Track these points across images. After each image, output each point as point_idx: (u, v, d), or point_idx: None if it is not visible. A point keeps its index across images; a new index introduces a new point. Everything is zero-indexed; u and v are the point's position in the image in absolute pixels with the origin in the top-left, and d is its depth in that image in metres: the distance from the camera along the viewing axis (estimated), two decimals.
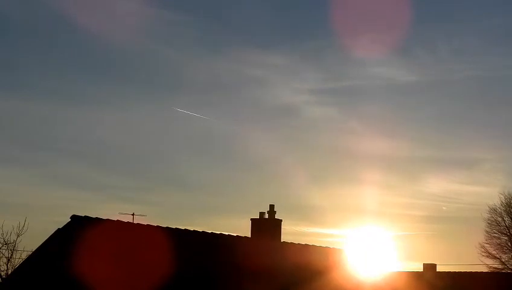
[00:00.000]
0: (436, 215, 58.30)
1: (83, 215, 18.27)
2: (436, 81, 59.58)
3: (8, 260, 27.01)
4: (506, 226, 44.99)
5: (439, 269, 35.53)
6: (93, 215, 18.47)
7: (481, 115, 62.19)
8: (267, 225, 22.69)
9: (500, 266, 44.14)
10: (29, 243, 29.75)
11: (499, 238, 44.95)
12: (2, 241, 26.66)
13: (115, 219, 19.16)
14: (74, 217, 18.08)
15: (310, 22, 57.15)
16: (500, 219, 45.13)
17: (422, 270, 34.82)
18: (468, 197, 61.18)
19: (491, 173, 59.85)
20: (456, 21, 58.12)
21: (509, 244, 44.74)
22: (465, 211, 60.12)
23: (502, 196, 45.33)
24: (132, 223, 20.01)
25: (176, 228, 20.33)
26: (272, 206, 22.88)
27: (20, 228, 26.57)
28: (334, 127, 59.75)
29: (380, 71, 55.86)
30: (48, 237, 18.10)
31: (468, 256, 58.27)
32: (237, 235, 22.43)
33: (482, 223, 45.55)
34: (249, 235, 22.81)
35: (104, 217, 18.76)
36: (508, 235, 44.82)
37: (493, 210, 45.22)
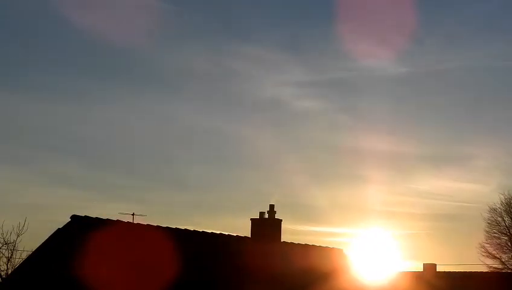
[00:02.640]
0: (431, 213, 57.57)
1: (83, 215, 18.30)
2: (427, 73, 57.49)
3: (8, 260, 26.98)
4: (506, 226, 44.96)
5: (439, 269, 35.60)
6: (93, 215, 18.51)
7: (475, 108, 60.54)
8: (267, 225, 22.68)
9: (500, 266, 44.10)
10: (29, 243, 29.72)
11: (499, 238, 44.93)
12: (2, 241, 26.61)
13: (115, 219, 19.20)
14: (74, 217, 18.10)
15: (293, 12, 55.77)
16: (500, 218, 45.10)
17: (422, 270, 34.87)
18: (464, 195, 60.18)
19: (487, 170, 58.59)
20: (444, 9, 56.34)
21: (509, 244, 44.71)
22: (461, 209, 59.26)
23: (502, 196, 45.34)
24: (132, 223, 20.02)
25: (176, 228, 20.35)
26: (271, 206, 22.86)
27: (20, 228, 26.51)
28: (324, 121, 57.91)
29: (366, 63, 53.85)
30: (48, 237, 18.13)
31: (467, 255, 58.07)
32: (237, 235, 22.46)
33: (479, 221, 45.57)
34: (249, 235, 22.82)
35: (104, 217, 18.81)
36: (508, 235, 44.78)
37: (493, 210, 45.21)
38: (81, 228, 17.92)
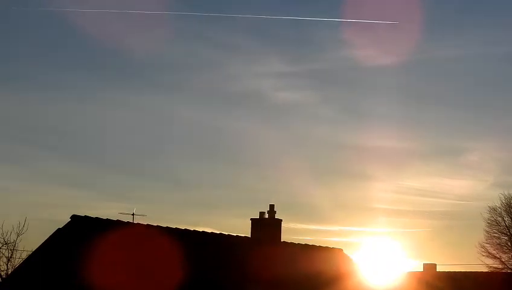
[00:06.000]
0: (430, 211, 56.72)
1: (83, 215, 18.32)
2: (414, 62, 54.70)
3: (8, 260, 27.02)
4: (506, 226, 44.97)
5: (439, 269, 35.62)
6: (93, 215, 18.54)
7: (471, 101, 59.15)
8: (267, 225, 22.72)
9: (500, 266, 44.11)
10: (29, 243, 29.76)
11: (498, 238, 44.94)
12: (2, 241, 26.65)
13: (115, 219, 19.23)
14: (74, 217, 18.13)
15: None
16: (500, 218, 45.13)
17: (422, 270, 34.89)
18: (461, 192, 58.08)
19: (484, 166, 57.44)
20: None
21: (509, 244, 44.72)
22: (459, 206, 58.40)
23: (502, 196, 45.34)
24: (132, 223, 20.04)
25: (176, 228, 20.37)
26: (271, 206, 22.91)
27: (20, 228, 26.56)
28: (308, 115, 57.11)
29: (354, 53, 51.36)
30: (48, 237, 18.14)
31: (467, 254, 57.78)
32: (237, 235, 22.49)
33: (479, 219, 45.57)
34: (249, 235, 22.86)
35: (104, 217, 18.84)
36: (508, 235, 44.80)
37: (493, 210, 45.23)
38: (81, 228, 17.95)
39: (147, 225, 19.70)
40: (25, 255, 25.40)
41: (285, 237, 23.34)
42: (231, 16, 50.42)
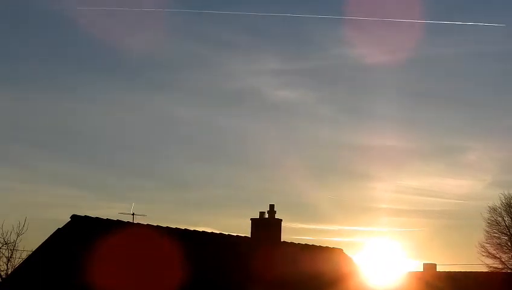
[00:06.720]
0: (429, 210, 56.47)
1: (83, 215, 18.32)
2: (414, 61, 53.81)
3: (8, 260, 27.00)
4: (506, 226, 44.95)
5: (439, 269, 35.63)
6: (93, 215, 18.53)
7: (465, 99, 58.58)
8: (267, 225, 22.69)
9: (500, 266, 44.09)
10: (29, 243, 29.74)
11: (499, 238, 44.93)
12: (2, 241, 26.63)
13: (115, 219, 19.22)
14: (74, 217, 18.12)
15: None
16: (500, 218, 45.12)
17: (422, 270, 34.90)
18: (460, 191, 57.44)
19: (482, 165, 57.10)
20: None
21: (509, 244, 44.70)
22: (458, 206, 58.13)
23: (502, 196, 45.33)
24: (132, 223, 20.03)
25: (176, 228, 20.36)
26: (271, 206, 22.87)
27: (20, 228, 26.54)
28: (308, 114, 56.63)
29: (348, 51, 51.84)
30: (48, 237, 18.14)
31: (466, 253, 57.60)
32: (237, 235, 22.49)
33: (478, 218, 45.52)
34: (249, 235, 22.84)
35: (104, 217, 18.84)
36: (508, 235, 44.78)
37: (493, 210, 45.22)
38: (81, 228, 17.95)
39: (147, 225, 19.70)
40: (25, 255, 25.39)
41: (285, 237, 23.33)
42: (231, 13, 50.26)
